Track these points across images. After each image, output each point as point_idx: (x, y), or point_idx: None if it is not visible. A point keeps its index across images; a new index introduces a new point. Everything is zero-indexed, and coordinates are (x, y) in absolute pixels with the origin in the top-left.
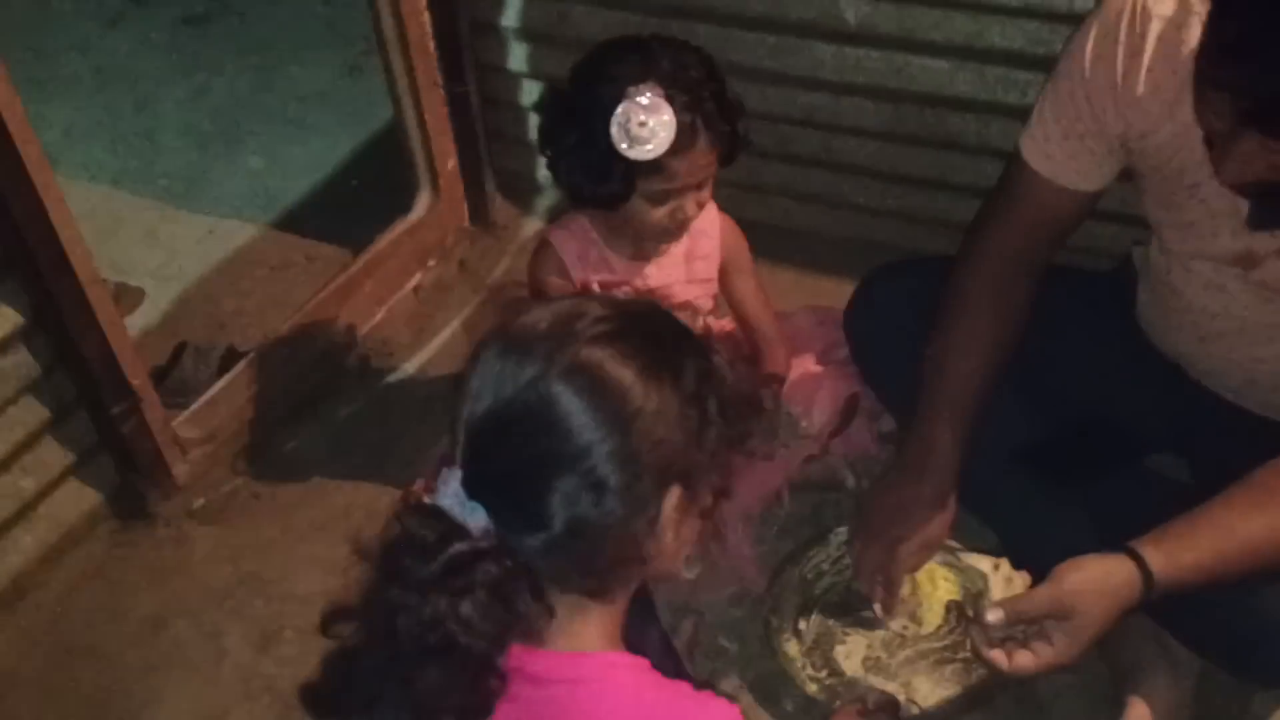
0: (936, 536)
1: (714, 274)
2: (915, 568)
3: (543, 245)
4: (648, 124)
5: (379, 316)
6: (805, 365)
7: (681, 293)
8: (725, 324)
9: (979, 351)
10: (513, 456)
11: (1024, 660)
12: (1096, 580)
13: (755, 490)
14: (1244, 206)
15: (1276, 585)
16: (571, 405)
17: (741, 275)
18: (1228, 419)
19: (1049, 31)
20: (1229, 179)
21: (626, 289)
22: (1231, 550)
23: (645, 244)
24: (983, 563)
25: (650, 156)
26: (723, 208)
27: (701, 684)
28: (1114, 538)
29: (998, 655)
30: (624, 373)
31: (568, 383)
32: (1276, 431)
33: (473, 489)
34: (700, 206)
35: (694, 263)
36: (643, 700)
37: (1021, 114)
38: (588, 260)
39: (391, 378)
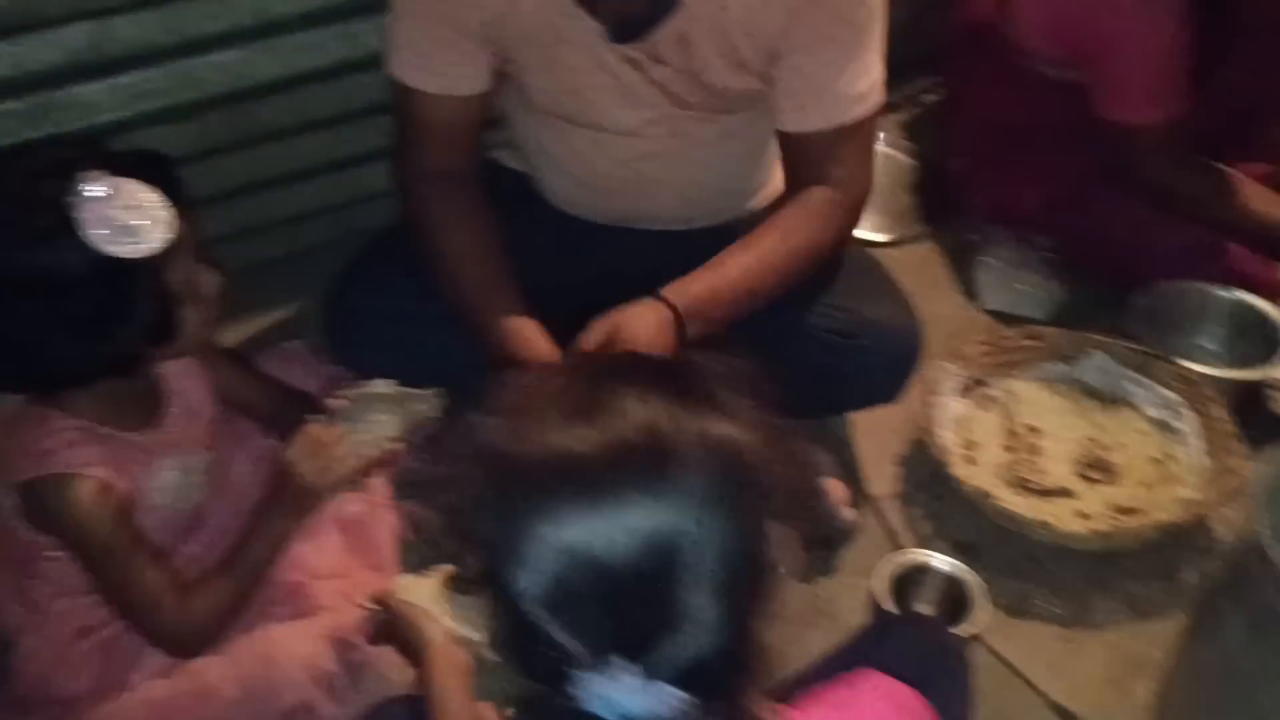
0: None
1: None
2: None
3: (74, 493)
4: (128, 206)
5: None
6: None
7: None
8: None
9: (478, 255)
10: None
11: None
12: (631, 308)
13: None
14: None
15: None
16: None
17: (218, 359)
18: (684, 249)
19: None
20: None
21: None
22: (731, 274)
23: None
24: None
25: (165, 239)
26: None
27: None
28: None
29: None
30: None
31: None
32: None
33: None
34: None
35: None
36: None
37: (328, 73)
38: (124, 467)
39: None
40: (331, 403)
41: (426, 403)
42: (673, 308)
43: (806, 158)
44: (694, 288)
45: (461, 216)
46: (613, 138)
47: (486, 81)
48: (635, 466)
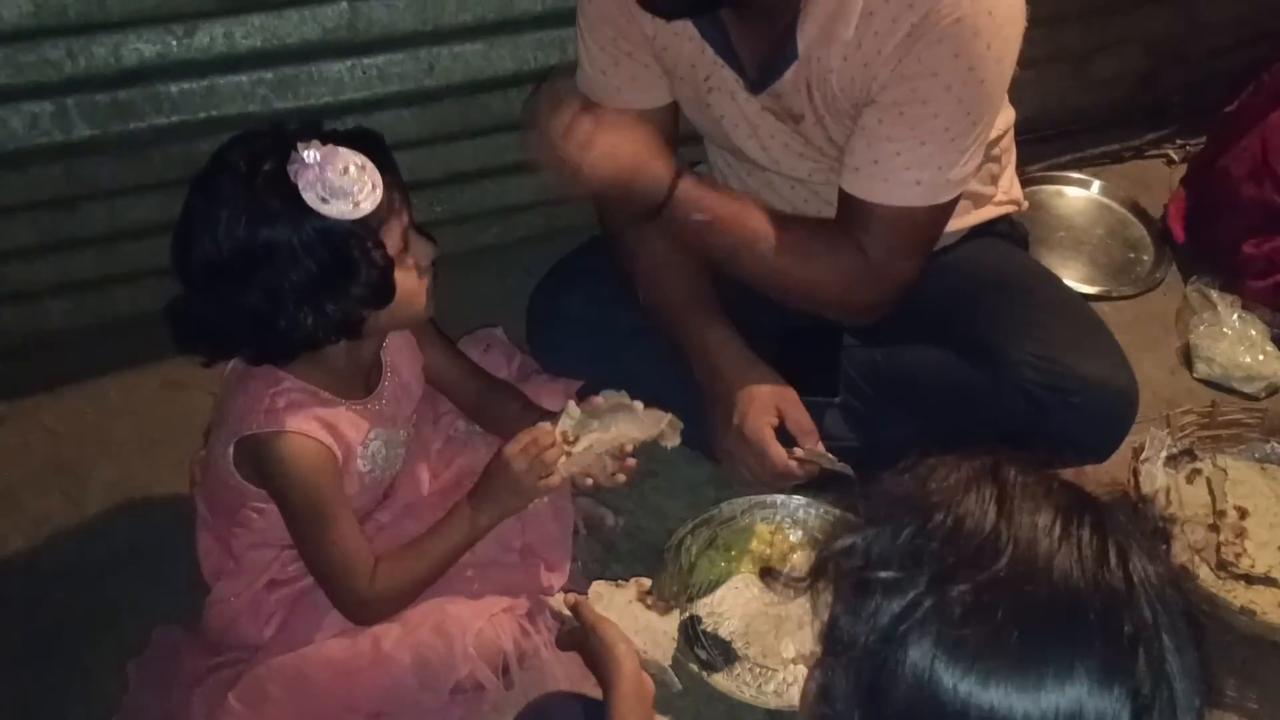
0: (783, 395)
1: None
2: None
3: (293, 451)
4: (342, 170)
5: None
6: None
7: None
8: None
9: (678, 264)
10: None
11: None
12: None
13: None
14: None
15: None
16: None
17: (430, 339)
18: None
19: None
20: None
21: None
22: (738, 220)
23: (368, 359)
24: None
25: (375, 201)
26: None
27: None
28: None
29: None
30: None
31: None
32: None
33: None
34: None
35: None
36: None
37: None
38: (340, 433)
39: None
40: (582, 404)
41: (664, 425)
42: (673, 187)
43: (846, 216)
44: (707, 197)
45: (658, 229)
46: (778, 178)
47: (667, 94)
48: (1103, 625)
